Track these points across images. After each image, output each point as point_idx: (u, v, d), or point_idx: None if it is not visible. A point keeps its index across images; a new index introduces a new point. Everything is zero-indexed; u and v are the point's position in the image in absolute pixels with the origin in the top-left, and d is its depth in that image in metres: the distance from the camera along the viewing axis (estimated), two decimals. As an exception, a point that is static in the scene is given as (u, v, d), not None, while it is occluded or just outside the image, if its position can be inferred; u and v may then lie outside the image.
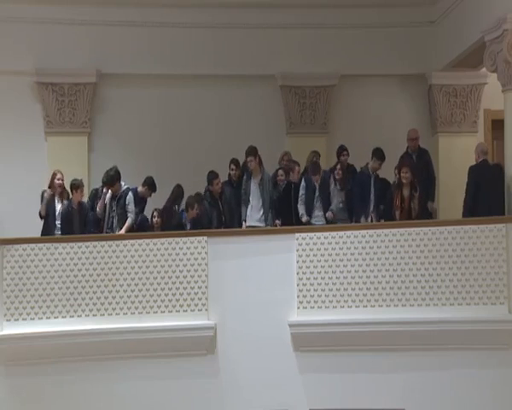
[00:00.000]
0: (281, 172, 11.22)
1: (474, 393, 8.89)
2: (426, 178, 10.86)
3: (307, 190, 10.76)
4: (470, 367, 8.89)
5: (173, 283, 9.21)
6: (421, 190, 10.31)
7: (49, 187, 10.83)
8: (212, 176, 11.03)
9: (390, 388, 9.02)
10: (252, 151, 10.91)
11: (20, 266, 9.12)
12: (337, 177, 10.84)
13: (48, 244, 9.23)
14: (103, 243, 9.29)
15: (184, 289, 9.21)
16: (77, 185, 10.58)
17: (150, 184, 10.86)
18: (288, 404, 9.08)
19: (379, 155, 10.92)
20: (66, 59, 12.27)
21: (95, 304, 9.15)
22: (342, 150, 11.30)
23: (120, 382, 9.07)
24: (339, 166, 10.90)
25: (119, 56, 12.46)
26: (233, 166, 11.07)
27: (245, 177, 10.93)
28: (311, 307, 9.15)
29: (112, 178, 10.51)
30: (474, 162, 10.51)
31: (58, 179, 10.78)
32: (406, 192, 10.20)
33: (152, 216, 10.77)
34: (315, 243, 9.24)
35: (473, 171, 10.23)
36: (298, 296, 9.19)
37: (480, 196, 9.94)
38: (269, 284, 9.19)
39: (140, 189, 10.83)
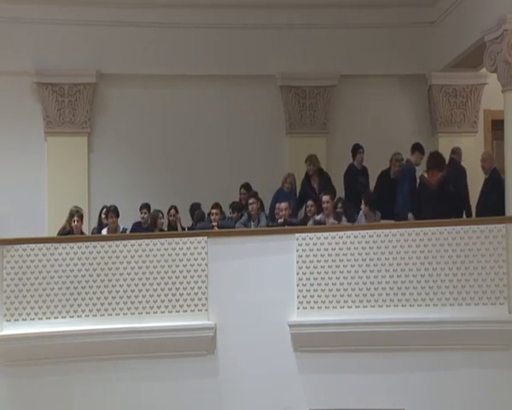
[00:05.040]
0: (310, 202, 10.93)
1: (474, 393, 8.88)
2: None
3: None
4: (470, 367, 8.88)
5: (173, 283, 9.20)
6: None
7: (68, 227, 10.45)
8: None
9: (390, 388, 9.01)
10: (255, 194, 10.96)
11: (20, 266, 9.11)
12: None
13: (48, 244, 9.20)
14: (103, 243, 9.26)
15: (184, 289, 9.20)
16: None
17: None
18: (288, 404, 9.08)
19: (420, 148, 10.90)
20: (67, 59, 12.29)
21: (95, 304, 9.14)
22: (358, 148, 11.33)
23: (120, 382, 9.05)
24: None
25: (119, 56, 12.47)
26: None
27: (245, 217, 10.87)
28: (310, 308, 9.14)
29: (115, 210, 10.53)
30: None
31: (74, 221, 10.38)
32: None
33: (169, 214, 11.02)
34: (315, 244, 9.23)
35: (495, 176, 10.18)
36: (298, 297, 9.17)
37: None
38: (269, 284, 9.17)
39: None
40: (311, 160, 11.61)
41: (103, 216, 10.97)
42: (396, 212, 10.59)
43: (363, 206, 10.42)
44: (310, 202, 10.84)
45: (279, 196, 11.47)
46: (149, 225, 10.83)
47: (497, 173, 10.08)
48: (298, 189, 11.75)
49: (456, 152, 11.53)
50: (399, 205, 10.66)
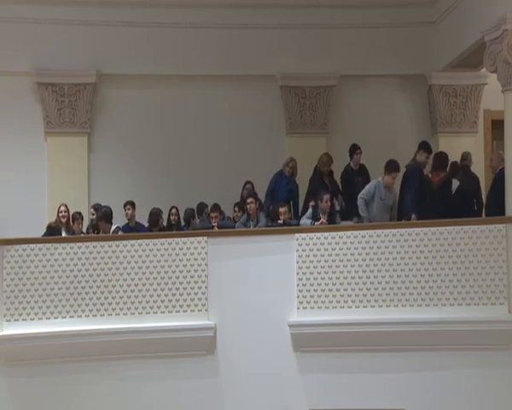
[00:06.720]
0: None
1: (474, 393, 8.89)
2: None
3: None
4: (470, 367, 8.88)
5: (173, 283, 9.20)
6: None
7: (55, 220, 10.88)
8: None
9: (390, 388, 9.01)
10: (253, 193, 11.01)
11: (20, 266, 9.11)
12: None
13: (48, 244, 9.21)
14: (103, 243, 9.26)
15: (184, 289, 9.20)
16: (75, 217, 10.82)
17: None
18: (288, 404, 9.08)
19: (426, 147, 10.78)
20: (67, 59, 12.29)
21: (95, 304, 9.14)
22: (356, 149, 11.35)
23: (120, 382, 9.05)
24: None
25: (119, 56, 12.47)
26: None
27: (245, 217, 10.87)
28: (310, 308, 9.15)
29: (105, 215, 10.44)
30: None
31: (61, 212, 10.84)
32: None
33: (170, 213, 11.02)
34: (315, 244, 9.23)
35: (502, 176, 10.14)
36: (298, 297, 9.18)
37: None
38: (269, 284, 9.17)
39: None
40: (331, 159, 11.65)
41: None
42: (403, 211, 10.55)
43: (386, 176, 10.39)
44: (312, 203, 10.89)
45: (278, 179, 11.55)
46: (150, 224, 10.83)
47: (503, 173, 10.08)
48: (298, 176, 11.66)
49: (467, 158, 11.44)
50: (406, 205, 10.62)
